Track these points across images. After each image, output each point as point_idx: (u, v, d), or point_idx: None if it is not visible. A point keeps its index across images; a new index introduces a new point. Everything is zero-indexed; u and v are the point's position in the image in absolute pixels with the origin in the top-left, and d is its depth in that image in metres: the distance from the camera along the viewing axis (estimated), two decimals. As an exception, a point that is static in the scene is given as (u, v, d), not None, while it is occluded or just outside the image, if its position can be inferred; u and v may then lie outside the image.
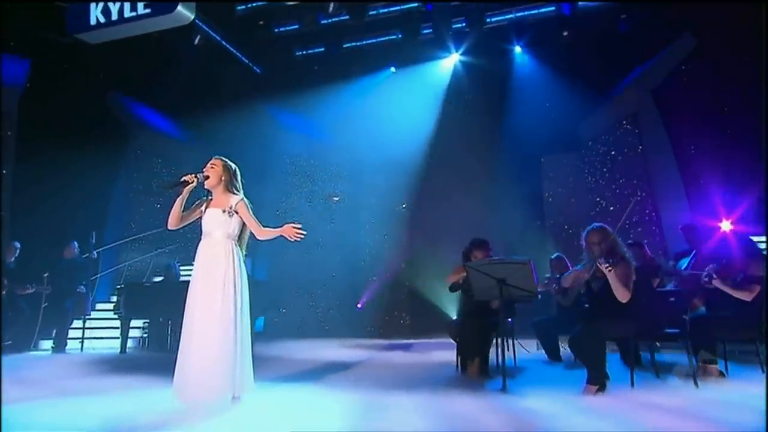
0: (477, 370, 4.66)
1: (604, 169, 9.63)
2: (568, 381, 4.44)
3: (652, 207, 8.62)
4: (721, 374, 4.36)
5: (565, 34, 10.14)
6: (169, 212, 3.56)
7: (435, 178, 10.84)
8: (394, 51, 11.13)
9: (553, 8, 9.65)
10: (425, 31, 10.58)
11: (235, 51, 11.55)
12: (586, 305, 5.71)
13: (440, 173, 10.81)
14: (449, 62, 11.02)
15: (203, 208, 3.66)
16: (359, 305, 11.27)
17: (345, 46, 10.98)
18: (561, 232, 10.16)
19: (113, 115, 10.89)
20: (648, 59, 9.25)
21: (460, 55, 10.88)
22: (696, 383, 4.01)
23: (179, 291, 7.57)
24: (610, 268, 3.89)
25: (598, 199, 9.74)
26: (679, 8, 9.04)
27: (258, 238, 3.65)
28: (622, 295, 3.95)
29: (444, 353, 6.60)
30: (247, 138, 10.97)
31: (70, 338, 7.83)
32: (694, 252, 5.67)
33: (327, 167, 11.64)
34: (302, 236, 3.55)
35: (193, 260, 3.60)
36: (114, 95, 10.84)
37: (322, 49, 11.40)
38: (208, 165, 3.66)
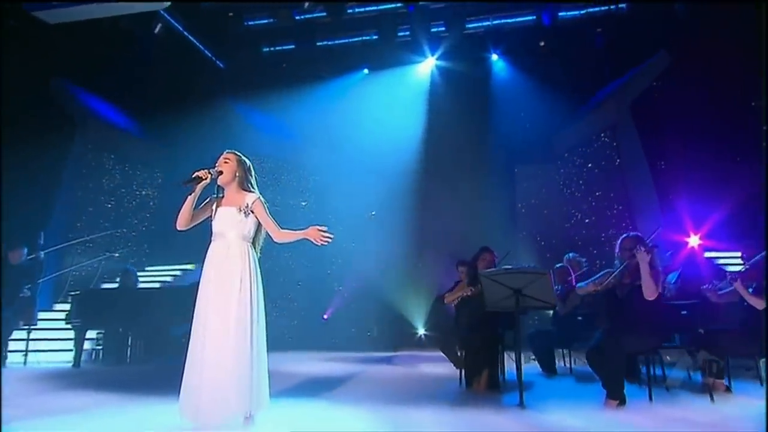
0: (486, 384, 4.59)
1: (580, 181, 9.91)
2: (580, 395, 4.47)
3: (629, 220, 8.93)
4: (728, 389, 4.48)
5: (542, 44, 10.42)
6: (178, 211, 3.30)
7: (407, 186, 10.80)
8: (368, 52, 11.06)
9: (533, 17, 9.86)
10: (402, 33, 10.58)
11: (197, 43, 11.15)
12: (579, 318, 5.83)
13: (413, 181, 10.79)
14: (425, 67, 11.06)
15: (213, 206, 3.40)
16: (325, 316, 11.02)
17: (318, 44, 10.78)
18: (533, 243, 10.35)
19: (58, 105, 10.17)
20: (624, 73, 9.62)
21: (436, 59, 10.94)
22: (712, 398, 4.09)
23: (140, 298, 7.32)
24: (648, 253, 3.94)
25: (573, 211, 10.00)
26: (653, 26, 9.52)
27: (276, 240, 3.43)
28: (652, 290, 3.99)
29: (434, 367, 6.53)
30: (211, 135, 10.57)
31: (10, 350, 7.17)
32: (680, 270, 5.89)
33: (296, 170, 11.38)
34: (329, 240, 3.32)
35: (202, 263, 3.34)
36: (59, 82, 10.11)
37: (292, 47, 11.18)
38: (221, 159, 3.43)
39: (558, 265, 6.31)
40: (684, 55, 9.00)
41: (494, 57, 10.84)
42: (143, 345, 7.53)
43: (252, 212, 3.37)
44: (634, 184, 8.89)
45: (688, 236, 8.69)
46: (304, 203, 11.31)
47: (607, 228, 9.17)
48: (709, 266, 7.54)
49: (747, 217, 8.14)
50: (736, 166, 8.57)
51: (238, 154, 3.48)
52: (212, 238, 3.36)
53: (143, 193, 11.12)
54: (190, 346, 3.15)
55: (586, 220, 9.73)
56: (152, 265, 10.57)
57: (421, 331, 11.32)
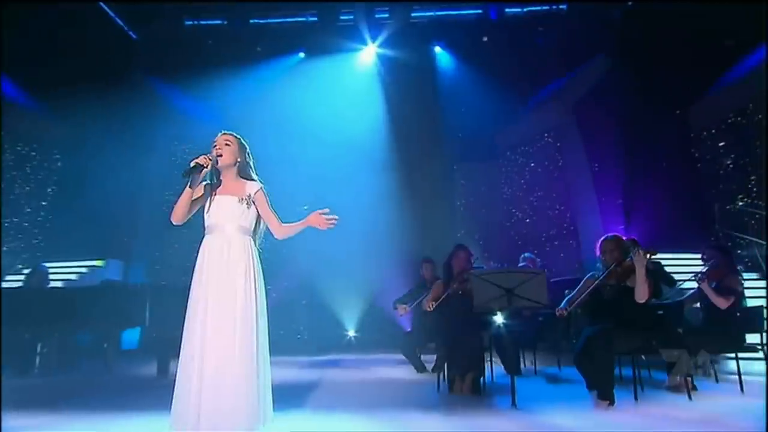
0: (470, 387, 4.58)
1: (522, 181, 10.28)
2: (565, 396, 4.59)
3: (570, 221, 9.40)
4: (694, 387, 4.82)
5: (485, 39, 10.69)
6: (174, 203, 3.00)
7: (342, 179, 10.61)
8: (304, 34, 10.75)
9: (479, 11, 10.08)
10: (344, 17, 10.38)
11: (105, 7, 10.23)
12: (541, 318, 6.01)
13: (349, 174, 10.62)
14: (367, 55, 10.92)
15: (208, 195, 3.08)
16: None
17: (252, 22, 10.29)
18: (472, 242, 10.60)
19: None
20: (566, 74, 10.10)
21: (377, 46, 10.85)
22: (690, 396, 4.36)
23: (54, 300, 6.53)
24: (649, 255, 4.10)
25: (513, 210, 10.35)
26: (592, 29, 10.10)
27: (278, 237, 3.17)
28: (645, 293, 4.17)
29: (395, 370, 6.47)
30: (122, 113, 9.73)
31: None
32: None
33: (223, 158, 10.75)
34: (334, 223, 3.16)
35: (196, 258, 3.02)
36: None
37: (220, 22, 10.59)
38: (221, 141, 3.13)
39: (520, 265, 6.47)
40: (622, 60, 9.62)
41: (437, 49, 10.93)
42: (52, 353, 6.77)
43: (253, 203, 3.10)
44: (576, 185, 9.37)
45: (625, 237, 9.30)
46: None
47: (548, 228, 9.57)
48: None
49: (680, 219, 8.89)
50: (668, 170, 9.32)
51: (238, 136, 3.20)
52: (206, 231, 3.06)
53: (39, 177, 10.00)
54: (184, 353, 2.85)
55: (527, 220, 10.11)
56: (50, 261, 9.53)
57: (352, 333, 11.23)
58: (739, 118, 8.95)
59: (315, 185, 10.57)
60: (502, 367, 6.06)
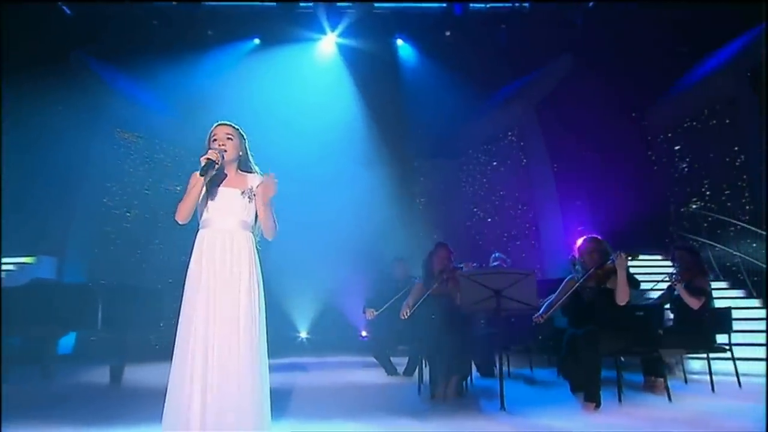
0: (455, 391, 4.57)
1: (484, 180, 10.42)
2: (546, 398, 4.66)
3: (532, 221, 9.61)
4: (666, 388, 5.00)
5: (448, 34, 10.75)
6: (179, 201, 2.87)
7: (299, 174, 10.37)
8: (259, 20, 10.45)
9: (443, 5, 10.12)
10: (303, 4, 10.17)
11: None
12: (513, 320, 6.09)
13: (306, 168, 10.41)
14: (327, 45, 10.75)
15: (205, 188, 2.94)
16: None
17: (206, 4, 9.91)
18: (431, 241, 10.63)
19: None
20: (529, 73, 10.32)
21: (338, 36, 10.71)
22: (669, 398, 4.52)
23: None
24: (630, 257, 4.20)
25: (475, 209, 10.47)
26: (555, 29, 10.37)
27: (268, 237, 3.02)
28: (626, 296, 4.29)
29: (362, 374, 6.40)
30: (57, 95, 9.10)
31: None
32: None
33: (171, 149, 10.32)
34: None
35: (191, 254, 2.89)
36: None
37: (166, 2, 10.11)
38: (222, 135, 2.99)
39: (492, 265, 6.52)
40: (583, 61, 9.92)
41: (399, 42, 10.91)
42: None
43: (254, 197, 2.96)
44: (539, 185, 9.58)
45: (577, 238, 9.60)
46: (179, 188, 10.30)
47: (510, 228, 9.75)
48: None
49: (636, 220, 9.24)
50: (626, 172, 9.70)
51: (237, 126, 3.08)
52: (202, 225, 2.92)
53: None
54: (180, 352, 2.71)
55: (489, 219, 10.26)
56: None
57: (304, 335, 11.07)
58: (694, 123, 9.41)
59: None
60: (475, 369, 6.13)
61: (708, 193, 9.18)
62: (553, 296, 4.71)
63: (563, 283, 4.72)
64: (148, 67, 9.75)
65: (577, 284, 4.62)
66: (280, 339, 10.15)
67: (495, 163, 10.20)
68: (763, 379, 5.46)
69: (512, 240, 9.54)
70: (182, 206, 2.84)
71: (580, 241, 4.79)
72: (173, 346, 2.75)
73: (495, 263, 6.37)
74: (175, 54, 9.95)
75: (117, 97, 9.67)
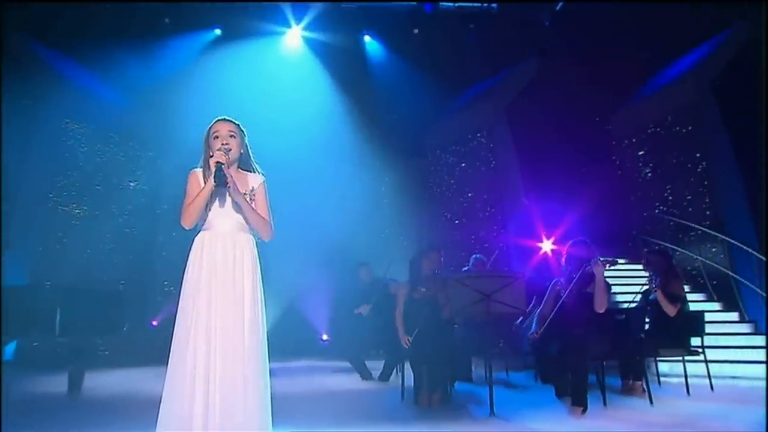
0: (440, 397, 4.57)
1: (452, 181, 10.49)
2: (530, 402, 4.73)
3: (501, 223, 9.73)
4: (644, 391, 5.17)
5: (416, 31, 10.80)
6: (187, 206, 2.77)
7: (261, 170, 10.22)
8: (220, 9, 10.22)
9: (414, 3, 10.16)
10: (270, -6, 10.02)
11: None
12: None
13: (266, 165, 10.24)
14: (292, 39, 10.61)
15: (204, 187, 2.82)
16: (154, 322, 9.88)
17: (164, -11, 9.60)
18: (396, 242, 10.66)
19: None
20: (498, 74, 10.47)
21: (303, 30, 10.58)
22: (651, 401, 4.67)
23: None
24: (607, 264, 4.31)
25: (442, 210, 10.53)
26: (523, 30, 10.59)
27: (265, 237, 2.92)
28: (603, 304, 4.40)
29: (336, 379, 6.34)
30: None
31: None
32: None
33: (125, 142, 9.93)
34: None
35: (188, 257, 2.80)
36: None
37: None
38: (224, 133, 2.87)
39: (472, 265, 6.57)
40: (551, 64, 10.15)
41: (367, 38, 10.88)
42: None
43: (254, 198, 2.88)
44: (508, 187, 9.72)
45: (541, 240, 9.80)
46: (133, 183, 9.97)
47: (478, 230, 9.85)
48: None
49: (600, 224, 9.51)
50: (591, 176, 9.97)
51: (238, 122, 2.97)
52: (204, 227, 2.82)
53: None
54: (178, 355, 2.63)
55: (456, 221, 10.33)
56: None
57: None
58: (658, 129, 9.78)
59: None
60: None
61: (670, 198, 9.55)
62: (541, 305, 4.78)
63: (549, 289, 4.80)
64: (100, 54, 9.36)
65: (561, 288, 4.72)
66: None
67: (464, 165, 10.29)
68: (730, 381, 5.76)
69: (480, 243, 9.63)
70: (191, 211, 2.75)
71: (569, 244, 4.88)
72: (169, 350, 2.67)
73: (466, 267, 6.44)
74: (129, 42, 9.61)
75: (66, 86, 9.20)
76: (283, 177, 9.85)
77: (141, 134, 10.10)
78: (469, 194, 10.17)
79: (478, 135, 10.15)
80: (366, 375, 6.22)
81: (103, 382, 6.11)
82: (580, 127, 10.15)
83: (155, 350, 9.12)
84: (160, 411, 2.59)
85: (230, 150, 2.83)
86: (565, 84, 10.05)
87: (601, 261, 4.57)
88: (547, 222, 9.45)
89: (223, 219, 2.82)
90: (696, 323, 5.47)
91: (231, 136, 2.88)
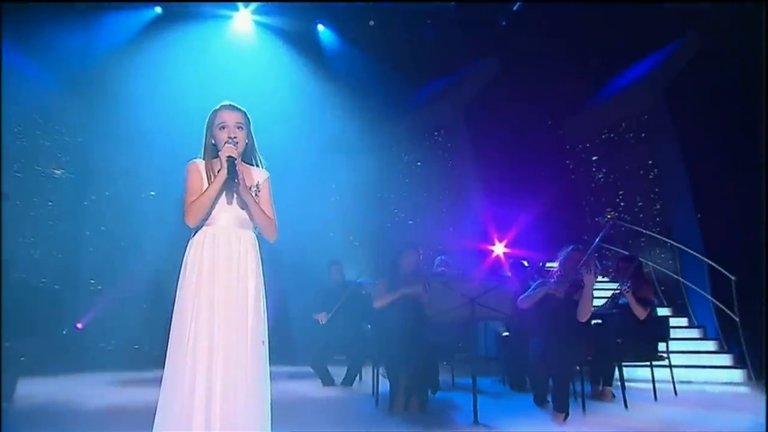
0: (419, 405, 4.52)
1: (406, 180, 10.48)
2: (509, 409, 4.78)
3: (457, 225, 9.80)
4: (613, 396, 5.34)
5: (372, 23, 10.73)
6: (195, 202, 2.60)
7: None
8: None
9: (372, -7, 10.09)
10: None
11: None
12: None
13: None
14: (242, 23, 10.28)
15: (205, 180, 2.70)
16: (79, 325, 9.30)
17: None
18: (345, 242, 10.53)
19: None
20: (456, 72, 10.56)
21: (252, 13, 10.29)
22: (626, 405, 4.82)
23: None
24: (595, 276, 4.41)
25: (395, 209, 10.50)
26: (480, 30, 10.74)
27: (272, 237, 2.76)
28: (587, 314, 4.51)
29: (296, 384, 6.19)
30: None
31: None
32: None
33: (49, 125, 9.26)
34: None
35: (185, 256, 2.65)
36: None
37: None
38: (231, 124, 2.70)
39: (440, 269, 6.57)
40: (509, 65, 10.36)
41: (320, 27, 10.71)
42: None
43: (258, 194, 2.76)
44: (464, 187, 9.81)
45: (493, 243, 9.98)
46: (59, 171, 9.33)
47: (432, 232, 9.89)
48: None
49: (553, 228, 9.80)
50: (546, 180, 10.27)
51: (244, 110, 2.81)
52: (207, 222, 2.66)
53: None
54: (177, 364, 2.47)
55: (410, 221, 10.34)
56: None
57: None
58: (612, 135, 10.18)
59: (170, 167, 9.64)
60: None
61: (622, 203, 9.96)
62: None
63: (537, 285, 4.86)
64: (24, 25, 8.72)
65: (549, 290, 4.79)
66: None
67: (419, 163, 10.31)
68: (685, 386, 6.03)
69: (433, 245, 9.66)
70: (198, 207, 2.59)
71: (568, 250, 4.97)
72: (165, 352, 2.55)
73: (440, 268, 6.42)
74: (57, 12, 9.00)
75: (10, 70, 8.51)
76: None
77: (70, 118, 9.47)
78: (425, 194, 10.21)
79: (435, 133, 10.20)
80: (328, 381, 6.09)
81: (35, 390, 5.68)
82: (537, 130, 10.41)
83: (84, 355, 8.72)
84: (158, 412, 2.48)
85: (237, 142, 2.68)
86: (522, 86, 10.28)
87: (594, 272, 4.64)
88: (499, 225, 9.64)
89: (228, 214, 2.68)
90: (663, 328, 5.71)
91: (239, 127, 2.72)
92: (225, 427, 2.40)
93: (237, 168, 2.56)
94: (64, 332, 9.29)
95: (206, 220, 2.65)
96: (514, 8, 11.04)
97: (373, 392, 5.06)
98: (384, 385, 4.93)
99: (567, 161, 10.79)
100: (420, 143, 10.34)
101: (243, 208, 2.68)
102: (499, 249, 9.88)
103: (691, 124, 9.05)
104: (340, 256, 8.22)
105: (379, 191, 10.79)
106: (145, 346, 9.83)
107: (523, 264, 7.69)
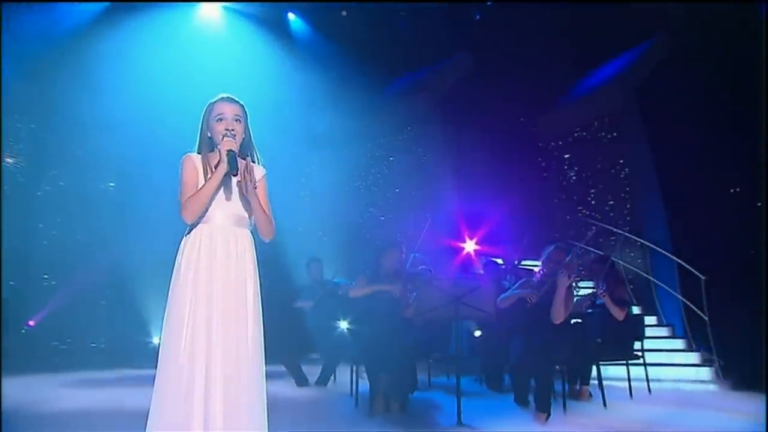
0: (400, 406, 4.49)
1: (378, 175, 10.41)
2: (489, 409, 4.80)
3: (430, 221, 9.72)
4: (590, 395, 5.42)
5: (344, 13, 10.62)
6: (193, 198, 2.54)
7: (163, 157, 9.53)
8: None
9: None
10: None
11: None
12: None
13: (171, 152, 9.59)
14: (210, 10, 10.04)
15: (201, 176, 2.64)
16: (31, 323, 8.99)
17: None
18: (314, 238, 10.39)
19: None
20: (430, 65, 10.54)
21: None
22: (605, 404, 4.89)
23: None
24: (569, 278, 4.45)
25: (367, 205, 10.43)
26: (453, 22, 10.75)
27: (268, 237, 2.70)
28: (560, 316, 4.56)
29: (270, 384, 6.04)
30: None
31: None
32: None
33: (10, 115, 8.89)
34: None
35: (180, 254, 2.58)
36: None
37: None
38: (231, 116, 2.64)
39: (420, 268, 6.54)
40: (484, 59, 10.40)
41: (291, 16, 10.56)
42: None
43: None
44: (437, 182, 9.80)
45: (464, 241, 10.02)
46: (10, 160, 8.96)
47: (405, 227, 9.81)
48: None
49: (525, 225, 9.89)
50: (519, 177, 10.36)
51: (242, 103, 2.73)
52: (202, 220, 2.59)
53: None
54: (171, 362, 2.42)
55: (381, 217, 10.28)
56: None
57: (158, 341, 10.26)
58: (584, 133, 10.34)
59: (128, 162, 9.39)
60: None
61: (593, 202, 10.13)
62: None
63: (520, 283, 4.89)
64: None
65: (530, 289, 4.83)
66: (128, 345, 9.33)
67: (392, 158, 10.26)
68: (655, 384, 6.15)
69: (406, 242, 9.60)
70: (196, 203, 2.52)
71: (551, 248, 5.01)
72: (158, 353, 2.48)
73: (421, 266, 6.39)
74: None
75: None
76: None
77: (21, 104, 9.08)
78: (397, 189, 10.17)
79: (408, 128, 10.17)
80: (302, 381, 6.01)
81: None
82: (510, 127, 10.49)
83: (35, 354, 8.41)
84: (152, 412, 2.41)
85: (235, 135, 2.61)
86: (496, 81, 10.32)
87: (569, 275, 4.66)
88: (471, 222, 9.68)
89: (224, 212, 2.62)
90: (639, 327, 5.82)
91: (236, 120, 2.66)
92: (227, 428, 2.36)
93: (237, 162, 2.50)
94: (23, 331, 9.01)
95: (202, 217, 2.58)
96: (488, 2, 11.10)
97: (351, 393, 5.00)
98: (363, 385, 4.89)
99: (539, 159, 10.91)
100: (393, 137, 10.27)
101: (245, 207, 2.64)
102: (470, 246, 9.93)
103: (662, 124, 9.24)
104: (311, 252, 8.14)
105: (350, 186, 10.67)
106: (102, 344, 9.60)
107: (496, 263, 7.76)
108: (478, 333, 6.27)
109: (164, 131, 8.82)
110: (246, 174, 2.52)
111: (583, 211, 10.18)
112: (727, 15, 8.48)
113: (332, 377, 6.10)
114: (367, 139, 10.61)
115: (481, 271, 8.18)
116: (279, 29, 10.52)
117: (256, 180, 2.68)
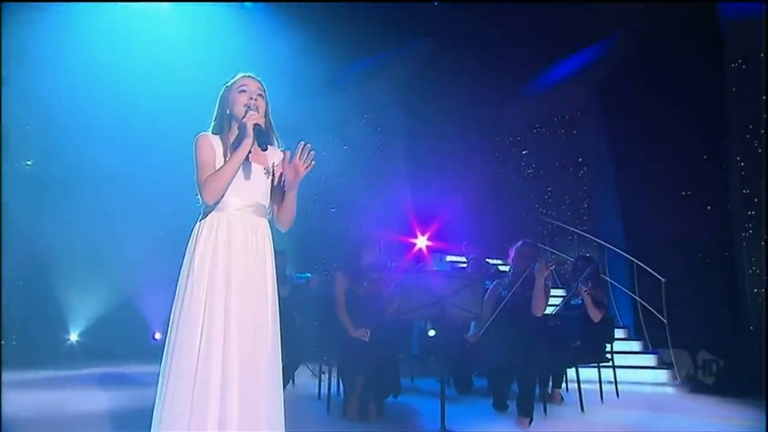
0: (377, 411, 4.44)
1: (331, 164, 10.18)
2: (470, 414, 4.82)
3: (383, 212, 9.68)
4: (562, 399, 5.55)
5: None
6: (213, 178, 2.44)
7: (130, 155, 9.12)
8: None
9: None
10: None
11: None
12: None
13: (127, 142, 9.16)
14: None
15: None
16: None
17: None
18: (275, 237, 10.10)
19: None
20: (387, 51, 10.46)
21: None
22: (582, 408, 5.01)
23: None
24: (547, 268, 4.53)
25: (316, 196, 10.21)
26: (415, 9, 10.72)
27: (285, 226, 2.69)
28: (541, 308, 4.64)
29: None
30: None
31: None
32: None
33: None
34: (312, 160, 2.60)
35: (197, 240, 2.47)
36: None
37: None
38: (254, 89, 2.57)
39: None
40: (443, 47, 10.41)
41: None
42: None
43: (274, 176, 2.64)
44: (392, 174, 9.75)
45: (416, 236, 10.04)
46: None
47: (359, 221, 9.72)
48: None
49: (482, 222, 10.04)
50: (475, 171, 10.48)
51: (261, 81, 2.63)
52: (218, 207, 2.47)
53: None
54: (183, 368, 2.32)
55: (333, 209, 10.11)
56: None
57: (75, 338, 9.85)
58: (543, 129, 10.56)
59: (87, 153, 8.88)
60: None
61: (550, 200, 10.37)
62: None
63: (489, 291, 4.92)
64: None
65: (503, 290, 4.88)
66: (42, 344, 8.90)
67: (346, 148, 10.10)
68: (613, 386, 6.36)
69: (360, 234, 9.54)
70: (217, 182, 2.42)
71: (518, 245, 5.04)
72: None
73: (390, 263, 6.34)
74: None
75: None
76: (139, 156, 8.99)
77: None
78: (348, 180, 10.03)
79: (365, 116, 10.07)
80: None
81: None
82: (468, 118, 10.58)
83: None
84: (160, 413, 2.32)
85: (258, 110, 2.52)
86: (456, 71, 10.39)
87: (546, 264, 4.77)
88: (425, 216, 9.70)
89: (240, 199, 2.51)
90: (611, 329, 5.99)
91: (259, 95, 2.58)
92: (243, 427, 2.29)
93: (262, 135, 2.44)
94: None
95: (218, 203, 2.45)
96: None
97: (319, 395, 4.92)
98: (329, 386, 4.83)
99: (497, 153, 11.06)
100: (348, 125, 10.11)
101: (265, 194, 2.58)
102: (421, 242, 9.95)
103: (621, 123, 9.56)
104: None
105: (306, 181, 10.41)
106: (13, 340, 9.06)
107: (485, 261, 7.71)
108: (432, 333, 6.29)
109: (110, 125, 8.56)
110: (299, 163, 2.46)
111: (540, 208, 10.39)
112: (686, 14, 8.81)
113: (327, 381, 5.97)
114: (319, 127, 10.42)
115: (434, 268, 8.23)
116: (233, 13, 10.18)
117: (275, 163, 2.61)
